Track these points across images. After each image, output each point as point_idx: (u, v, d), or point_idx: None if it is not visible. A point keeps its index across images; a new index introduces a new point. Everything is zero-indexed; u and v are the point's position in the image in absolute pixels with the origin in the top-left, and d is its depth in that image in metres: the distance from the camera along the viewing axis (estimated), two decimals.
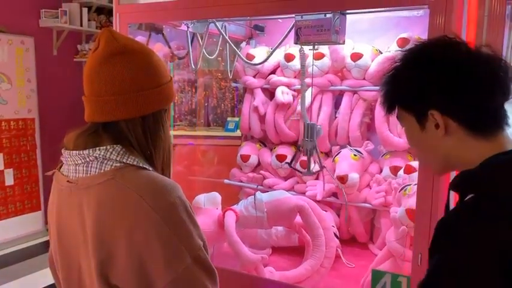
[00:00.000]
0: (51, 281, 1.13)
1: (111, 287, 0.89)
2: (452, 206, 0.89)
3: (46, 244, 4.08)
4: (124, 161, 0.91)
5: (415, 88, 0.89)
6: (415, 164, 2.06)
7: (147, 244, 0.86)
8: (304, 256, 2.09)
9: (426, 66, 0.88)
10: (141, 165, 0.92)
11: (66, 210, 0.97)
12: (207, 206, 2.17)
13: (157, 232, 0.86)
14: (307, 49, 2.54)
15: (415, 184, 1.91)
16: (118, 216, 0.87)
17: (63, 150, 0.97)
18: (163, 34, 2.34)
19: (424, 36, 2.21)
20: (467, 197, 0.82)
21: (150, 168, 0.94)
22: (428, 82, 0.87)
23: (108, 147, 0.92)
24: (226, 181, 2.74)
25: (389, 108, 0.95)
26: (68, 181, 0.96)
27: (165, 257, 0.86)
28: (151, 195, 0.88)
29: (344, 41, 1.89)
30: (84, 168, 0.93)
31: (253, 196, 2.15)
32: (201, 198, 2.21)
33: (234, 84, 3.17)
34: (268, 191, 2.49)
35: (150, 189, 0.89)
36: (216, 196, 2.23)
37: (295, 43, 1.86)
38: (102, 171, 0.91)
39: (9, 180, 4.14)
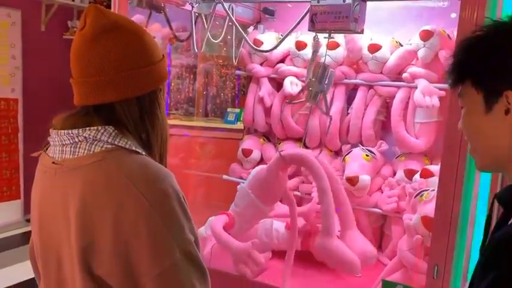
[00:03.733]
0: (30, 275, 1.11)
1: (94, 278, 0.88)
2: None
3: (24, 236, 4.06)
4: (116, 143, 0.91)
5: (496, 61, 0.83)
6: (434, 168, 2.04)
7: (134, 232, 0.85)
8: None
9: None
10: (133, 148, 0.92)
11: (49, 193, 0.96)
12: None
13: (146, 221, 0.85)
14: (321, 37, 2.51)
15: (433, 190, 1.89)
16: (105, 200, 0.87)
17: (50, 130, 0.97)
18: (165, 13, 2.31)
19: (450, 30, 2.20)
20: None
21: (144, 153, 0.94)
22: None
23: (100, 127, 0.91)
24: (225, 177, 2.72)
25: (456, 80, 0.90)
26: (53, 162, 0.95)
27: (153, 249, 0.85)
28: (143, 181, 0.87)
29: (363, 30, 1.86)
30: (72, 149, 0.92)
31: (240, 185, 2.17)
32: (202, 230, 2.22)
33: (237, 72, 3.14)
34: None
35: (142, 174, 0.88)
36: None
37: (310, 30, 1.84)
38: (91, 153, 0.90)
39: None
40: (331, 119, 2.21)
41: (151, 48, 0.97)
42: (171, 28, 2.38)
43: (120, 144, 0.91)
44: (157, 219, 0.86)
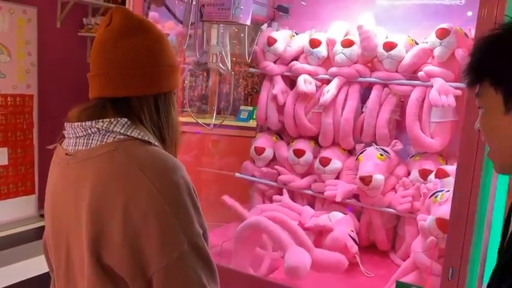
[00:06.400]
0: (44, 269, 1.11)
1: (103, 268, 0.88)
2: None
3: (39, 230, 4.09)
4: (128, 133, 0.92)
5: None
6: (449, 168, 2.01)
7: (143, 222, 0.85)
8: None
9: None
10: (146, 139, 0.93)
11: (62, 184, 0.97)
12: None
13: (156, 210, 0.85)
14: (337, 35, 2.49)
15: (448, 191, 1.86)
16: (115, 188, 0.87)
17: (65, 124, 0.98)
18: (166, 6, 2.30)
19: (467, 28, 2.16)
20: None
21: (156, 143, 0.95)
22: None
23: (113, 119, 0.92)
24: (237, 175, 2.71)
25: (474, 80, 0.87)
26: (66, 154, 0.96)
27: (161, 239, 0.85)
28: (154, 171, 0.87)
29: (249, 23, 2.02)
30: (85, 141, 0.93)
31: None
32: None
33: (251, 70, 3.12)
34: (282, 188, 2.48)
35: (153, 164, 0.88)
36: None
37: (200, 20, 2.00)
38: (103, 143, 0.91)
39: (2, 159, 4.14)
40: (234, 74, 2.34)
41: (172, 52, 1.01)
42: (179, 21, 2.36)
43: (132, 134, 0.92)
44: (167, 210, 0.85)
